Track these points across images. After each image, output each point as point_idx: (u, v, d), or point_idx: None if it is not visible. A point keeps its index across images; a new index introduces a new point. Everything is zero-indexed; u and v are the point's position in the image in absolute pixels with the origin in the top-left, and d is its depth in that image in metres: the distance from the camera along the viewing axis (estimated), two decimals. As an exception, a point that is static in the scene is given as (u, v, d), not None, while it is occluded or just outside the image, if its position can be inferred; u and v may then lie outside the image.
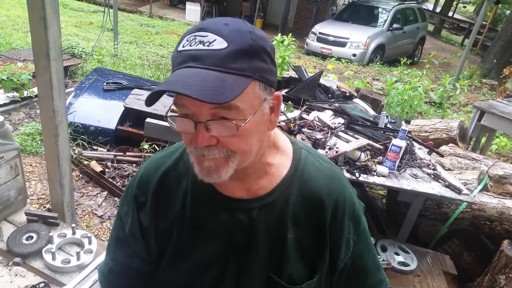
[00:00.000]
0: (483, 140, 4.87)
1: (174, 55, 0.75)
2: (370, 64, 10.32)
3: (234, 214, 0.89)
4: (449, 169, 3.24)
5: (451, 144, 3.88)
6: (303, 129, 2.67)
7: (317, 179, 0.92)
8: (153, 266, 0.98)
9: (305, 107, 2.99)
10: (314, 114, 2.86)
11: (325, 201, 0.90)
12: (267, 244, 0.90)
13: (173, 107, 3.17)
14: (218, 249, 0.91)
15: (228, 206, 0.90)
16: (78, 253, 1.61)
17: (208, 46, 0.70)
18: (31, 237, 1.66)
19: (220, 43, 0.70)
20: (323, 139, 2.58)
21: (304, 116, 2.85)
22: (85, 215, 3.06)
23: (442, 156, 3.37)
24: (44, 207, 3.00)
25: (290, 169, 0.91)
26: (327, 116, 2.84)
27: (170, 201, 0.94)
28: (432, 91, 7.20)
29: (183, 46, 0.73)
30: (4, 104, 4.33)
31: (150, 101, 0.73)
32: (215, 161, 0.78)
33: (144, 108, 3.67)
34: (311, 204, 0.90)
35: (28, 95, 4.48)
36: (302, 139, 2.58)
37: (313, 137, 2.60)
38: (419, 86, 6.11)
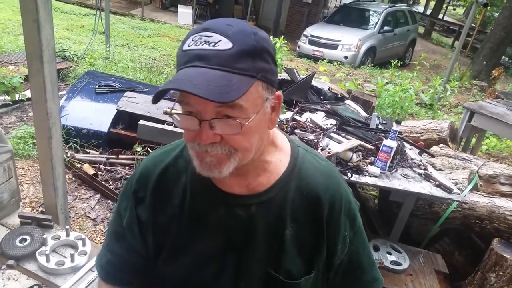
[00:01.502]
0: (473, 140, 4.93)
1: (180, 54, 0.77)
2: (362, 66, 10.38)
3: (233, 210, 0.91)
4: (440, 169, 3.28)
5: (441, 145, 3.93)
6: (295, 130, 2.69)
7: (314, 177, 0.94)
8: (150, 261, 0.99)
9: (297, 108, 3.01)
10: (306, 116, 2.88)
11: (322, 198, 0.92)
12: (265, 240, 0.92)
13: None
14: (217, 245, 0.93)
15: (227, 201, 0.91)
16: (72, 255, 1.61)
17: (213, 46, 0.73)
18: (25, 240, 1.66)
19: (225, 44, 0.73)
20: (316, 140, 2.61)
21: (297, 117, 2.87)
22: (78, 218, 3.05)
23: (433, 156, 3.40)
24: (37, 210, 2.99)
25: (288, 166, 0.93)
26: (319, 118, 2.86)
27: (169, 196, 0.95)
28: (422, 92, 7.27)
29: (189, 46, 0.75)
30: (-5, 108, 4.31)
31: (157, 98, 0.75)
32: (217, 157, 0.79)
33: (137, 110, 3.67)
34: (308, 201, 0.92)
35: (20, 98, 4.45)
36: (295, 140, 2.60)
37: (306, 138, 2.62)
38: (410, 88, 6.16)
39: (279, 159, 0.94)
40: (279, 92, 0.84)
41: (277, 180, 0.92)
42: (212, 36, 0.73)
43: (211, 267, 0.94)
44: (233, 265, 0.93)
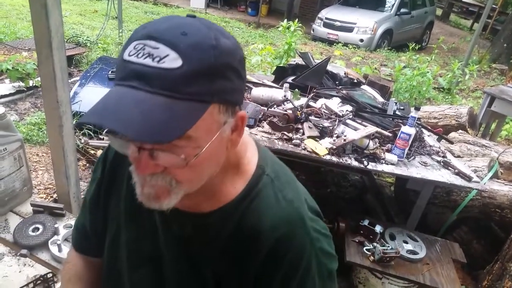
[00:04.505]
0: (493, 126, 4.80)
1: (119, 62, 0.63)
2: (378, 50, 10.17)
3: (169, 222, 0.82)
4: (459, 156, 3.20)
5: (460, 131, 3.83)
6: (310, 117, 2.64)
7: (264, 211, 0.77)
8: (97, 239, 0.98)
9: (312, 94, 2.94)
10: (321, 102, 2.82)
11: (265, 234, 0.75)
12: (190, 266, 0.82)
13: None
14: (147, 250, 0.86)
15: (164, 213, 0.76)
16: (84, 245, 1.60)
17: (158, 62, 0.58)
18: (37, 229, 1.66)
19: (173, 61, 0.58)
20: (331, 127, 2.55)
21: (311, 103, 2.81)
22: (92, 205, 3.06)
23: (451, 143, 3.32)
24: (51, 196, 3.01)
25: (240, 195, 0.79)
26: (334, 104, 2.79)
27: (120, 182, 0.90)
28: (440, 76, 7.09)
29: (129, 55, 0.60)
30: (10, 94, 4.33)
31: (78, 126, 0.69)
32: (156, 188, 0.67)
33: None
34: (247, 234, 0.76)
35: (34, 84, 4.47)
36: (309, 127, 2.55)
37: (320, 125, 2.57)
38: (428, 72, 6.01)
39: (234, 186, 0.79)
40: (242, 112, 0.70)
41: (221, 207, 0.78)
42: (158, 48, 0.58)
43: (140, 271, 0.87)
44: (157, 280, 0.85)
